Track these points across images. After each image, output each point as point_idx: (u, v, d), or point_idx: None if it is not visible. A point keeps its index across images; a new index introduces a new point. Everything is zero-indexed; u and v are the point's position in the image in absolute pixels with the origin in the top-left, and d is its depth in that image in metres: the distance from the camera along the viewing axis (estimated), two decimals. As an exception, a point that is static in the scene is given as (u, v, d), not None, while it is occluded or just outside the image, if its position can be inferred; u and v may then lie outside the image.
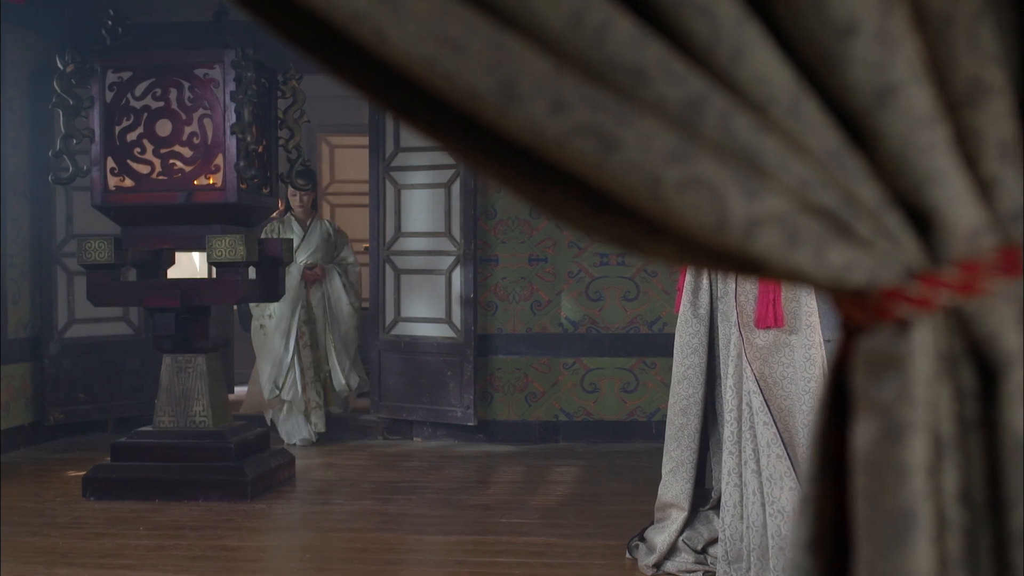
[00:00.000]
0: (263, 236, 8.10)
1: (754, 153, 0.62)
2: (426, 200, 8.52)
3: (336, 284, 8.66)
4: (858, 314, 0.64)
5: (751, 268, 0.65)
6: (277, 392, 8.31)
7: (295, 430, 8.44)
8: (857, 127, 0.62)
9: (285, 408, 8.46)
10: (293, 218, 8.71)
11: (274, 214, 8.55)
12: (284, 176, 6.88)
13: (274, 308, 8.30)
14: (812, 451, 0.71)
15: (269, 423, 8.48)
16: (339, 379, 8.59)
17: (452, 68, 0.64)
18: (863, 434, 0.64)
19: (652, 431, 8.39)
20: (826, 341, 4.51)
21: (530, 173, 0.71)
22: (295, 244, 8.34)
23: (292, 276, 8.27)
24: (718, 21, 0.62)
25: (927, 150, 0.61)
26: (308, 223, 8.72)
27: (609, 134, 0.62)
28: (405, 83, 0.70)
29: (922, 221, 0.63)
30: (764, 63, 0.62)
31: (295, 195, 8.57)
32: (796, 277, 0.64)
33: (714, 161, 0.62)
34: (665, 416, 8.27)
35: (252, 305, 8.33)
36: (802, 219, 0.61)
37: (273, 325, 8.42)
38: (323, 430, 8.52)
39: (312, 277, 8.57)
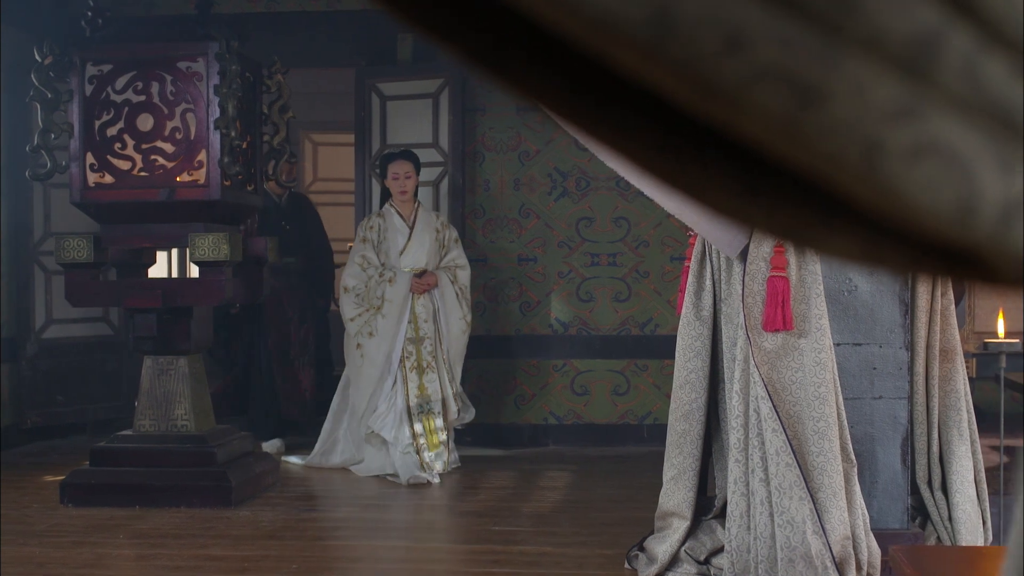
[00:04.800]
0: (361, 235, 7.22)
1: (1012, 111, 0.44)
2: (413, 198, 8.34)
3: (449, 294, 7.20)
4: None
5: (989, 270, 0.47)
6: (371, 428, 7.01)
7: (378, 463, 7.05)
8: None
9: (378, 441, 7.03)
10: (394, 211, 7.27)
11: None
12: (269, 174, 6.68)
13: (376, 325, 7.03)
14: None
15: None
16: (452, 406, 7.15)
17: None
18: None
19: (644, 434, 8.25)
20: (835, 345, 4.35)
21: (662, 141, 0.53)
22: (400, 244, 7.22)
23: (399, 286, 7.06)
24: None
25: None
26: (413, 217, 7.29)
27: (808, 81, 0.44)
28: (495, 16, 0.52)
29: None
30: (1019, -16, 0.44)
31: (396, 178, 7.21)
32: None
33: (956, 121, 0.44)
34: (656, 419, 8.18)
35: (348, 320, 7.11)
36: (1081, 202, 0.44)
37: (374, 346, 7.04)
38: (441, 470, 6.99)
39: (422, 287, 7.11)
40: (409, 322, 7.08)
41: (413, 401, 6.99)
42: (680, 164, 0.53)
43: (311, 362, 8.29)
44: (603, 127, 0.53)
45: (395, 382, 7.01)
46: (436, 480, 6.80)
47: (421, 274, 7.14)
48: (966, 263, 0.49)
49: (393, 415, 6.95)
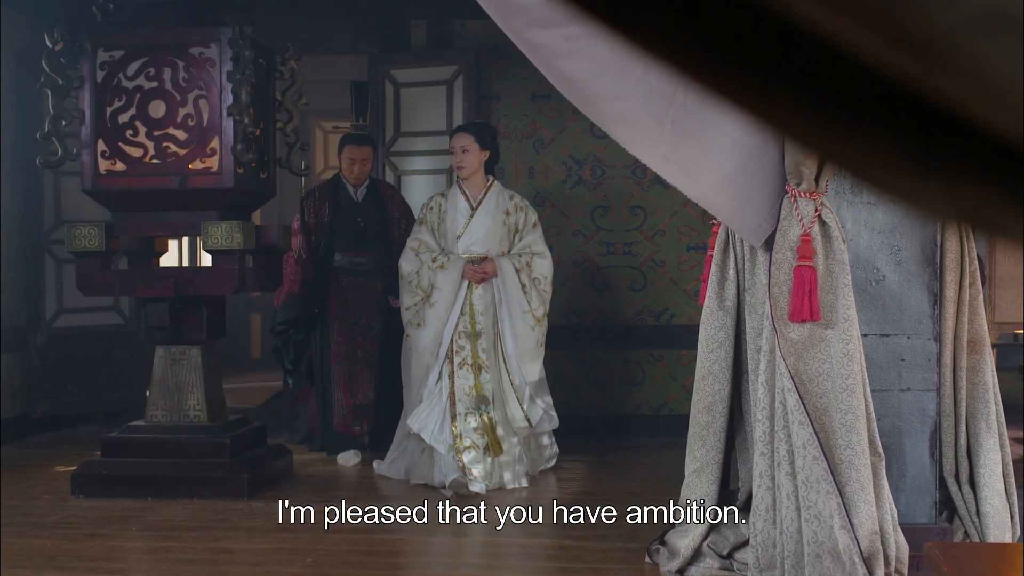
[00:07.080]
0: (420, 216, 6.64)
1: None
2: (427, 186, 8.27)
3: (512, 283, 6.37)
4: None
5: None
6: (412, 429, 6.38)
7: (437, 468, 6.33)
8: None
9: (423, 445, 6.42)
10: (459, 191, 6.54)
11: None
12: (282, 161, 6.60)
13: (425, 315, 6.35)
14: None
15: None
16: (515, 411, 6.41)
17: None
18: None
19: (659, 425, 8.17)
20: (863, 336, 4.26)
21: (820, 111, 0.45)
22: (460, 227, 6.53)
23: (450, 272, 6.38)
24: None
25: None
26: (480, 197, 6.52)
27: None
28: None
29: None
30: None
31: (453, 152, 6.49)
32: None
33: None
34: (672, 410, 8.09)
35: (404, 309, 6.49)
36: None
37: (420, 337, 6.38)
38: (487, 483, 6.19)
39: (477, 275, 6.37)
40: (464, 314, 6.36)
41: (462, 400, 6.27)
42: (841, 138, 0.44)
43: (375, 373, 7.48)
44: (747, 93, 0.45)
45: (440, 377, 6.35)
46: (478, 488, 6.12)
47: (481, 261, 6.42)
48: None
49: (437, 413, 6.30)
